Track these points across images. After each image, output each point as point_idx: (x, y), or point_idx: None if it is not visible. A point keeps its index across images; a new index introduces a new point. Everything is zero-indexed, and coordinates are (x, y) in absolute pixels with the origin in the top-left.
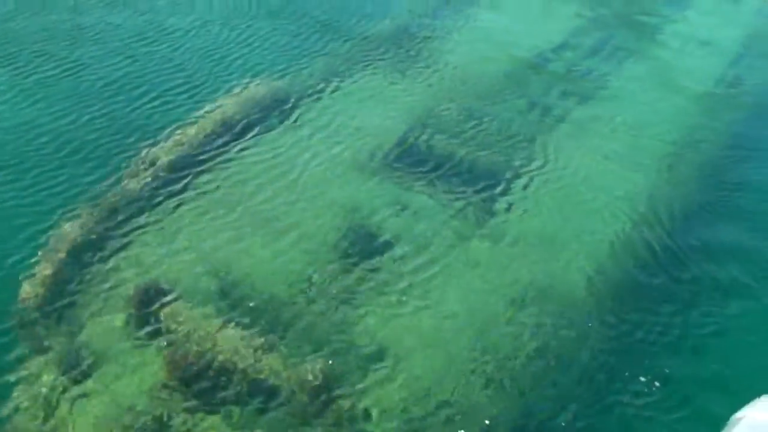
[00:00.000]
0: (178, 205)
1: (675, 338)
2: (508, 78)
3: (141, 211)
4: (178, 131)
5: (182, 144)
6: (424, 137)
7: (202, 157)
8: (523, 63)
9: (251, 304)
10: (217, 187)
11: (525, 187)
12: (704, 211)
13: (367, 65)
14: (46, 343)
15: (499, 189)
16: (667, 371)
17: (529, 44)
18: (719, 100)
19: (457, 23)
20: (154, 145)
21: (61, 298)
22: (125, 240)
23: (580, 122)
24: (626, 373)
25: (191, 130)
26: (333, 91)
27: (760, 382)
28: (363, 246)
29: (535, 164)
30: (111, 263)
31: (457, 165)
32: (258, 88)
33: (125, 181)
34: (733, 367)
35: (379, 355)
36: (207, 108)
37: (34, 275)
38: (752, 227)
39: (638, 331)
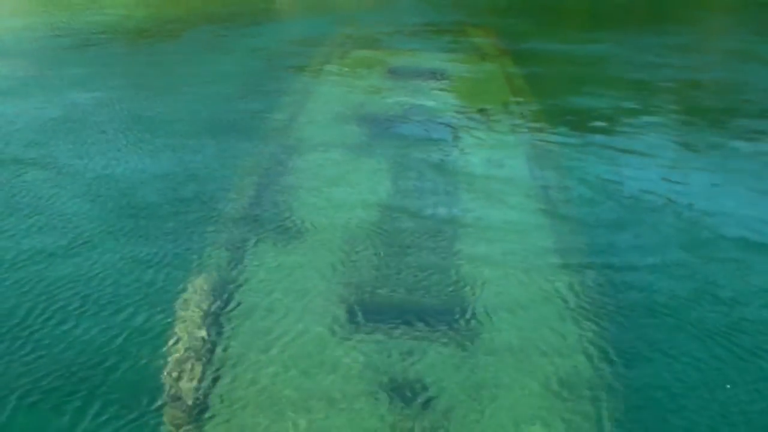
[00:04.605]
0: None
1: None
2: (391, 231)
3: None
4: None
5: None
6: (377, 295)
7: None
8: (385, 215)
9: None
10: None
11: (492, 311)
12: None
13: (257, 245)
14: None
15: (471, 317)
16: None
17: (368, 200)
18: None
19: (297, 197)
20: None
21: None
22: None
23: (484, 258)
24: None
25: None
26: (257, 285)
27: None
28: (408, 403)
29: (479, 291)
30: None
31: (423, 310)
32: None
33: None
34: None
35: None
36: None
37: None
38: None
39: None
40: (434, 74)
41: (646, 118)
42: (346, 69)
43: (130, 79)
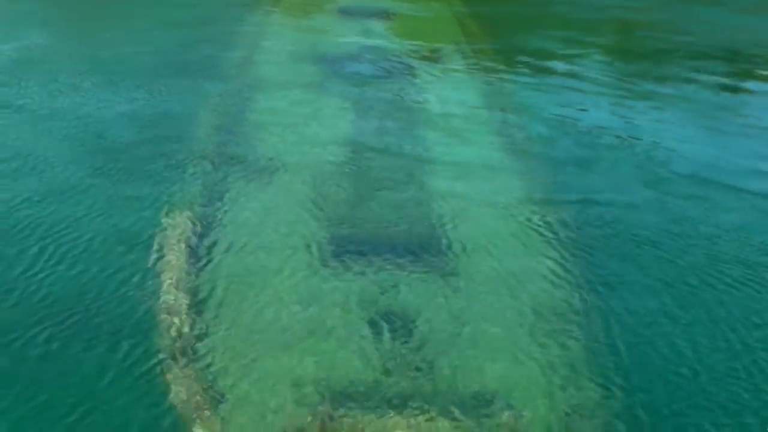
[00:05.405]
0: None
1: None
2: (363, 168)
3: None
4: None
5: None
6: (354, 229)
7: None
8: (355, 152)
9: None
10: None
11: (465, 242)
12: None
13: (235, 182)
14: None
15: (446, 248)
16: None
17: (337, 138)
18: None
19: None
20: None
21: None
22: None
23: (457, 193)
24: None
25: None
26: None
27: None
28: (397, 331)
29: (452, 224)
30: None
31: (403, 243)
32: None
33: None
34: None
35: None
36: None
37: None
38: None
39: None
40: (384, 14)
41: (595, 57)
42: (297, 9)
43: (84, 20)
